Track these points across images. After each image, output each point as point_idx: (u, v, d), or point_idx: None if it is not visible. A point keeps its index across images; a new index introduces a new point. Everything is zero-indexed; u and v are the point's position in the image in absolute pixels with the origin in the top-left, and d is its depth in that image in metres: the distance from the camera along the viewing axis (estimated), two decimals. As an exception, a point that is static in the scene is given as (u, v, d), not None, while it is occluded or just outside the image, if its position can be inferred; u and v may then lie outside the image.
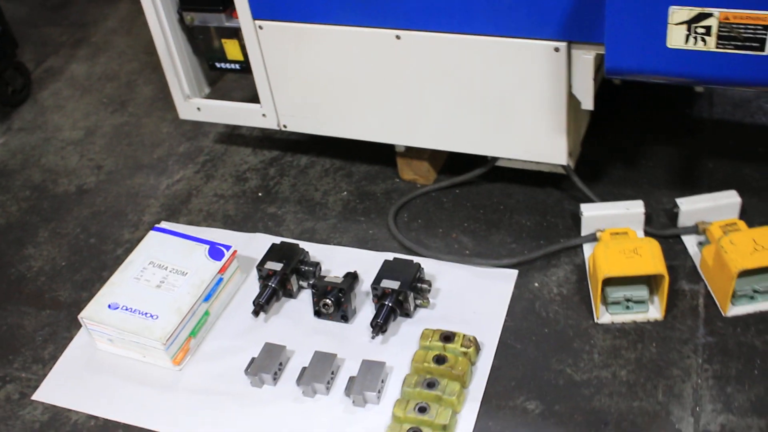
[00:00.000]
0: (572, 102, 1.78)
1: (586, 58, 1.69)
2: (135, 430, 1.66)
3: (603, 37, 1.53)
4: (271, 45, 1.94)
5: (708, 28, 1.38)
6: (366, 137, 2.02)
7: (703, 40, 1.40)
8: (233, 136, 2.40)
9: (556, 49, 1.68)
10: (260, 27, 1.91)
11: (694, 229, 1.85)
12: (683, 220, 1.86)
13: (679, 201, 1.86)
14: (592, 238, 1.85)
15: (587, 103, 1.75)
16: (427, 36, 1.77)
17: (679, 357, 1.63)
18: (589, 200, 1.92)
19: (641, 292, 1.69)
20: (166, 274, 1.84)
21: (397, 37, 1.80)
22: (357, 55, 1.87)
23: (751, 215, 1.85)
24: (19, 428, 1.70)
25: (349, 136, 2.03)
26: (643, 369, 1.61)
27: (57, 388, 1.78)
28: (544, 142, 1.84)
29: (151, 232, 1.96)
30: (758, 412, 1.51)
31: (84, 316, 1.79)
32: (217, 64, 2.10)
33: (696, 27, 1.39)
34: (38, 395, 1.77)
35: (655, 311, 1.71)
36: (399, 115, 1.93)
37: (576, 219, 1.91)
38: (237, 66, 2.08)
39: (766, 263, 1.62)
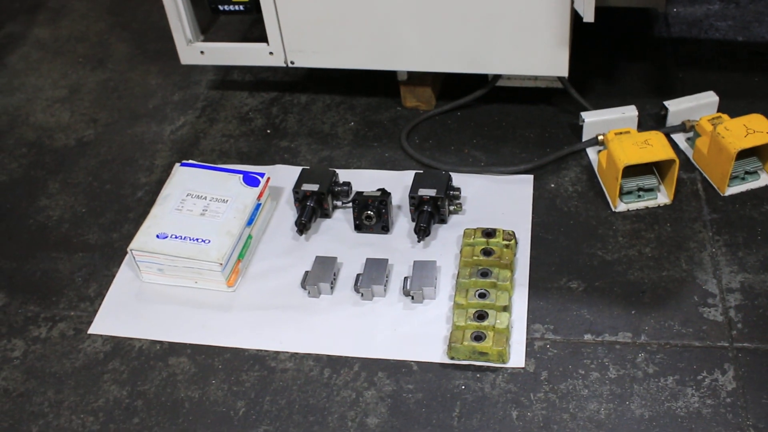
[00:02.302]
0: (571, 16, 1.95)
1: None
2: (202, 348, 1.73)
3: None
4: (281, -19, 2.03)
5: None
6: (375, 66, 2.14)
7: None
8: (226, 81, 2.47)
9: (563, -34, 1.86)
10: (273, -37, 2.00)
11: (682, 127, 2.07)
12: (671, 120, 2.09)
13: (666, 103, 2.08)
14: (595, 141, 2.05)
15: (589, 16, 1.93)
16: (441, -40, 1.92)
17: (692, 232, 1.84)
18: (583, 110, 2.11)
19: (651, 180, 1.90)
20: (207, 203, 1.91)
21: (413, -37, 1.93)
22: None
23: (727, 112, 2.08)
24: (83, 361, 1.74)
25: (359, 67, 2.15)
26: (663, 245, 1.82)
27: (112, 320, 1.83)
28: (547, 56, 2.01)
29: (180, 167, 2.02)
30: (769, 269, 1.75)
31: (134, 247, 1.84)
32: (221, 7, 2.16)
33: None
34: (94, 329, 1.81)
35: (663, 197, 1.92)
36: (407, 41, 2.06)
37: (574, 128, 2.10)
38: (241, 7, 2.15)
39: (760, 142, 1.85)
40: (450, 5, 1.98)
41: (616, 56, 2.39)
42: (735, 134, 1.87)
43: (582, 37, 2.24)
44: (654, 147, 1.86)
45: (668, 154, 1.84)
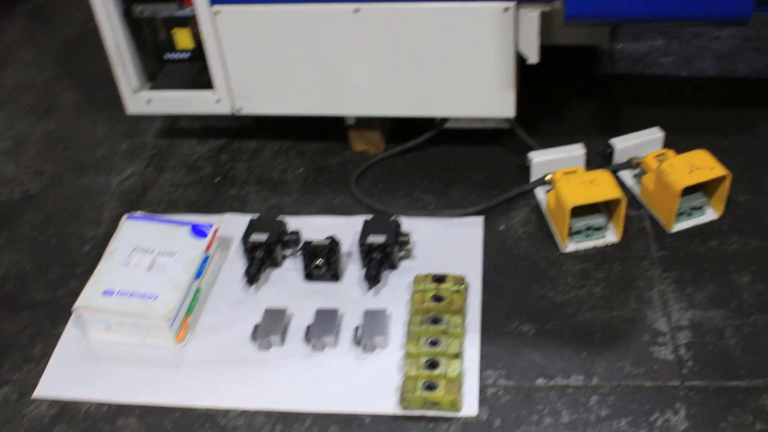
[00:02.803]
0: (517, 58, 1.97)
1: (532, 16, 1.88)
2: (151, 409, 1.70)
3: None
4: (228, 29, 2.02)
5: (653, -27, 1.61)
6: (324, 112, 2.14)
7: (649, -17, 1.63)
8: (174, 129, 2.45)
9: (505, 9, 1.87)
10: (217, 12, 1.99)
11: (628, 164, 2.09)
12: (617, 158, 2.10)
13: (612, 141, 2.10)
14: (543, 181, 2.05)
15: (533, 57, 1.95)
16: (384, 7, 1.92)
17: (640, 270, 1.85)
18: (531, 150, 2.11)
19: (599, 219, 1.91)
20: (154, 257, 1.88)
21: (356, 10, 1.93)
22: (316, 32, 1.99)
23: (672, 147, 2.10)
24: (27, 426, 1.69)
25: (308, 113, 2.14)
26: (613, 284, 1.83)
27: (58, 382, 1.78)
28: (494, 98, 2.02)
29: (126, 221, 1.99)
30: (717, 305, 1.76)
31: (79, 305, 1.81)
32: (166, 55, 2.15)
33: (642, -28, 1.61)
34: (39, 392, 1.76)
35: (612, 235, 1.92)
36: (357, 86, 2.06)
37: (522, 168, 2.11)
38: (187, 55, 2.14)
39: (703, 179, 1.87)
40: (396, 51, 1.99)
41: (564, 94, 2.41)
42: (679, 171, 1.88)
43: (529, 75, 2.25)
44: (600, 186, 1.87)
45: (614, 193, 1.85)
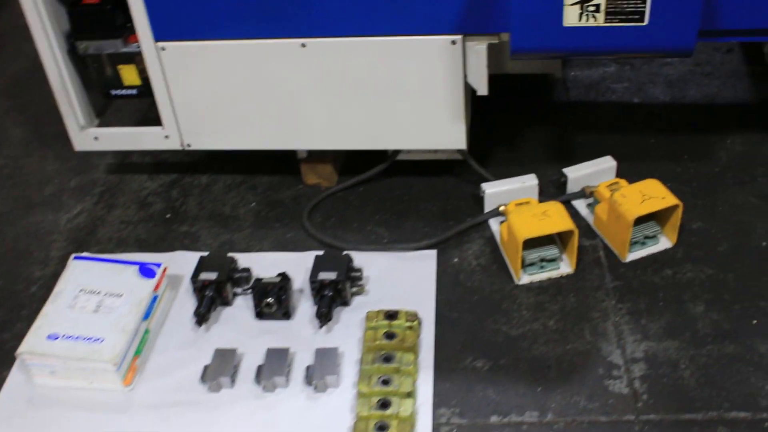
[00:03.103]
0: (467, 90, 1.96)
1: (479, 48, 1.88)
2: (97, 455, 1.65)
3: (495, 28, 1.75)
4: (174, 65, 1.99)
5: (597, 6, 1.60)
6: (275, 146, 2.11)
7: (594, 16, 1.62)
8: (125, 165, 2.41)
9: (453, 42, 1.86)
10: (162, 48, 1.96)
11: (582, 194, 2.08)
12: (571, 187, 2.09)
13: (566, 170, 2.09)
14: (497, 212, 2.04)
15: (482, 89, 1.94)
16: (332, 41, 1.90)
17: (595, 302, 1.84)
18: (485, 180, 2.10)
19: (553, 251, 1.89)
20: (101, 299, 1.84)
21: (303, 45, 1.91)
22: (264, 67, 1.96)
23: (625, 176, 2.10)
24: (-32, 476, 1.64)
25: (258, 147, 2.12)
26: (567, 317, 1.81)
27: (2, 430, 1.73)
28: (444, 130, 2.01)
29: (73, 261, 1.94)
30: (671, 336, 1.75)
31: (23, 351, 1.76)
32: (113, 92, 2.11)
33: (587, 5, 1.61)
34: (-19, 441, 1.71)
35: (566, 266, 1.91)
36: (307, 120, 2.04)
37: (476, 199, 2.09)
38: (134, 91, 2.10)
39: (655, 209, 1.87)
40: (345, 84, 1.97)
41: (518, 122, 2.40)
42: (631, 201, 1.88)
43: (483, 103, 2.24)
44: (552, 218, 1.86)
45: (566, 224, 1.84)
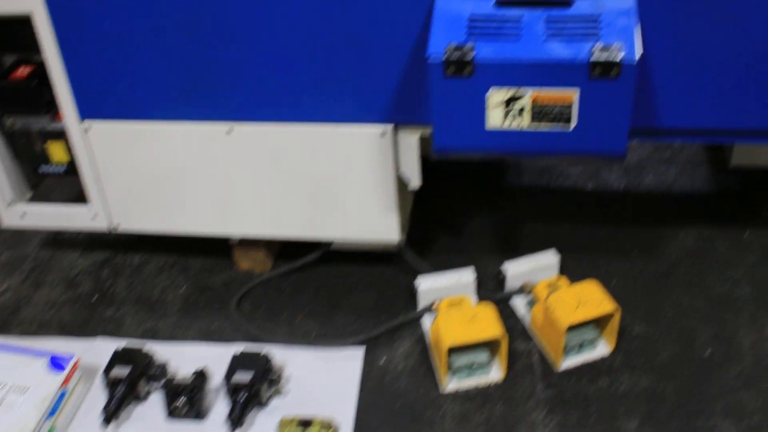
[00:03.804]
0: (400, 180, 1.88)
1: (410, 140, 1.80)
2: None
3: (427, 119, 1.66)
4: (100, 145, 1.92)
5: (522, 108, 1.53)
6: (202, 232, 2.03)
7: (519, 118, 1.54)
8: (58, 239, 2.33)
9: (383, 133, 1.79)
10: (88, 128, 1.90)
11: (522, 290, 1.99)
12: (511, 283, 2.00)
13: (504, 266, 2.00)
14: (430, 309, 1.95)
15: (414, 182, 1.87)
16: (258, 127, 1.83)
17: (523, 413, 1.74)
18: (424, 271, 2.02)
19: (482, 356, 1.80)
20: (4, 394, 1.75)
21: (228, 130, 1.84)
22: (191, 150, 1.89)
23: (569, 271, 2.01)
24: None
25: (188, 232, 2.04)
26: (492, 429, 1.71)
27: None
28: (376, 222, 1.93)
29: (-18, 350, 1.86)
30: (599, 456, 1.65)
31: None
32: (41, 168, 2.05)
33: (512, 108, 1.53)
34: None
35: (496, 373, 1.81)
36: (234, 206, 1.97)
37: (413, 291, 2.00)
38: (63, 169, 2.03)
39: (590, 316, 1.77)
40: (274, 172, 1.90)
41: (465, 208, 2.31)
42: (566, 306, 1.78)
43: (429, 187, 2.16)
44: (481, 323, 1.77)
45: (494, 332, 1.75)
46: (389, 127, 1.79)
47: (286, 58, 1.74)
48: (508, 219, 2.26)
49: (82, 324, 2.05)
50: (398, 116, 1.77)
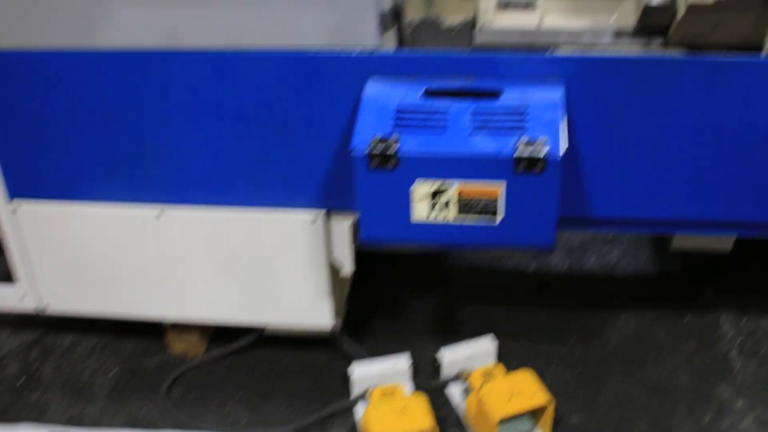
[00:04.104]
0: (334, 265, 1.85)
1: (343, 226, 1.78)
2: None
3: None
4: (28, 225, 1.88)
5: (448, 201, 1.51)
6: (134, 315, 1.99)
7: (445, 211, 1.52)
8: (-11, 318, 2.27)
9: (314, 220, 1.76)
10: (16, 207, 1.86)
11: (458, 378, 1.95)
12: (447, 370, 1.96)
13: (441, 353, 1.96)
14: (363, 397, 1.90)
15: (347, 268, 1.84)
16: (188, 211, 1.80)
17: None
18: (359, 356, 1.97)
19: (413, 448, 1.75)
20: None
21: (158, 214, 1.81)
22: (119, 233, 1.86)
23: (508, 356, 1.98)
24: None
25: (117, 315, 1.99)
26: None
27: None
28: (309, 308, 1.89)
29: None
30: None
31: None
32: (-32, 247, 2.00)
33: (438, 200, 1.51)
34: None
35: (428, 465, 1.77)
36: (167, 290, 1.93)
37: (348, 377, 1.96)
38: (-10, 246, 1.99)
39: (522, 409, 1.74)
40: (205, 256, 1.86)
41: (405, 289, 2.29)
42: (499, 397, 1.75)
43: (370, 265, 2.13)
44: (411, 415, 1.72)
45: (425, 424, 1.70)
46: (321, 213, 1.77)
47: (216, 144, 1.72)
48: (447, 301, 2.24)
49: (6, 409, 1.97)
50: (330, 202, 1.75)
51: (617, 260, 2.36)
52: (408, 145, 1.48)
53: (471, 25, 2.01)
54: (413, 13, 2.04)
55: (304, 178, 1.73)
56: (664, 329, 2.11)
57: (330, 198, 1.75)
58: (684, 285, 2.26)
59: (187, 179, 1.77)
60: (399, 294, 2.27)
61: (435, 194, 1.51)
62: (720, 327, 2.11)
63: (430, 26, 2.03)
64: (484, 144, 1.48)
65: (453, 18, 2.04)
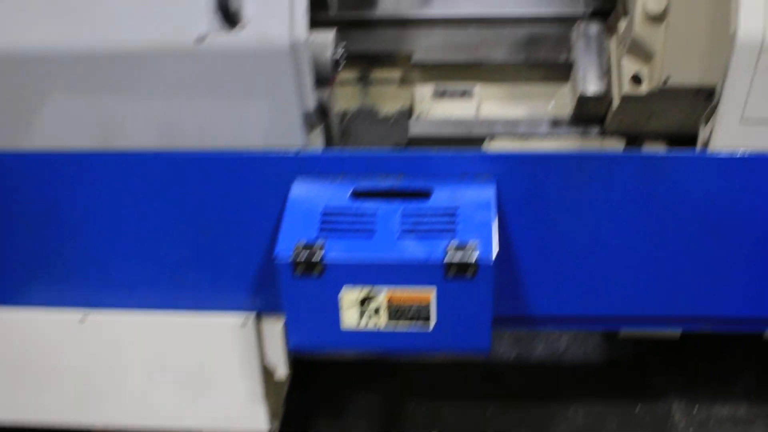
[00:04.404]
0: (267, 369, 1.78)
1: (275, 328, 1.71)
2: None
3: (288, 312, 1.57)
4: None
5: (378, 308, 1.45)
6: (61, 422, 1.89)
7: (375, 318, 1.46)
8: None
9: (243, 323, 1.69)
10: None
11: (401, 481, 1.87)
12: (389, 473, 1.89)
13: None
14: (303, 504, 1.82)
15: (281, 371, 1.76)
16: (115, 315, 1.73)
17: None
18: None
19: None
20: None
21: (82, 317, 1.73)
22: (43, 338, 1.78)
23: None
24: None
25: (43, 422, 1.89)
26: None
27: None
28: (243, 412, 1.81)
29: None
30: None
31: None
32: None
33: (367, 307, 1.45)
34: None
35: None
36: (92, 395, 1.84)
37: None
38: None
39: None
40: (133, 360, 1.78)
41: (348, 381, 2.20)
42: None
43: (307, 365, 2.06)
44: None
45: None
46: (251, 315, 1.69)
47: (141, 246, 1.65)
48: (391, 396, 2.15)
49: None
50: (260, 305, 1.69)
51: (566, 347, 2.30)
52: (334, 251, 1.42)
53: (408, 114, 1.98)
54: (349, 103, 2.00)
55: (232, 280, 1.66)
56: (616, 420, 2.05)
57: (260, 300, 1.68)
58: (634, 372, 2.21)
59: (112, 282, 1.70)
60: (341, 390, 2.18)
61: (364, 301, 1.45)
62: (672, 416, 2.06)
63: (366, 116, 1.99)
64: (413, 249, 1.42)
65: (389, 107, 2.00)
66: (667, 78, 1.63)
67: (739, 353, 2.20)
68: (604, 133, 1.86)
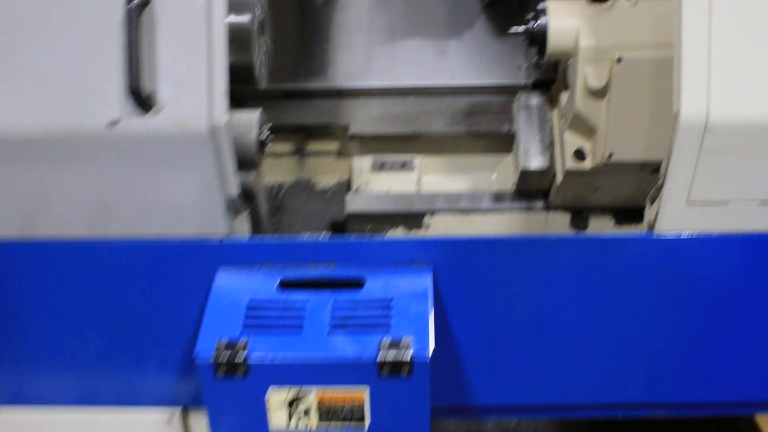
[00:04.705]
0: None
1: (202, 424, 1.60)
2: None
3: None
4: None
5: (308, 409, 1.35)
6: None
7: (306, 420, 1.36)
8: None
9: (169, 418, 1.59)
10: None
11: None
12: None
13: None
14: None
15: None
16: (30, 413, 1.61)
17: None
18: None
19: None
20: None
21: (-9, 423, 1.61)
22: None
23: None
24: None
25: None
26: None
27: None
28: None
29: None
30: None
31: None
32: None
33: (296, 408, 1.35)
34: None
35: None
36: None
37: None
38: None
39: None
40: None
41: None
42: None
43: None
44: None
45: None
46: (177, 411, 1.58)
47: (56, 340, 1.55)
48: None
49: None
50: (186, 400, 1.58)
51: (516, 423, 2.21)
52: (259, 350, 1.32)
53: (346, 186, 1.90)
54: (285, 176, 1.92)
55: (156, 374, 1.55)
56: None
57: (186, 395, 1.57)
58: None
59: (24, 378, 1.58)
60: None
61: (292, 402, 1.35)
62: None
63: (302, 189, 1.90)
64: (343, 346, 1.32)
65: (327, 179, 1.91)
66: (611, 154, 1.58)
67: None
68: (548, 207, 1.80)
